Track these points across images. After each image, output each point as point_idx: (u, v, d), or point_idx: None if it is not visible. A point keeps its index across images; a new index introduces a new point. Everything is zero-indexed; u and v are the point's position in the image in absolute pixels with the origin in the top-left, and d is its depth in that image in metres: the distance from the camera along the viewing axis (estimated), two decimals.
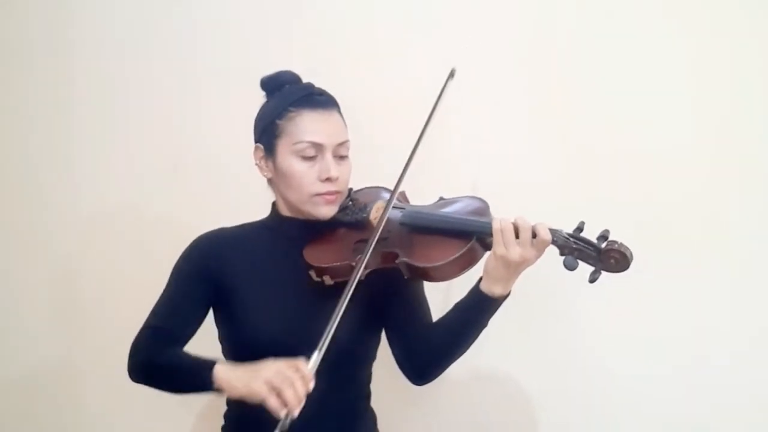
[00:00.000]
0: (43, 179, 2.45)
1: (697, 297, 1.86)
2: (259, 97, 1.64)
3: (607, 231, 1.42)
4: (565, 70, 1.91)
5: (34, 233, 2.47)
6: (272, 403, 1.29)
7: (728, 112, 1.83)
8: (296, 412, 1.29)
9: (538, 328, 1.95)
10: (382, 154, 1.87)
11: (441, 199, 1.63)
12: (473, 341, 1.54)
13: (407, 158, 1.54)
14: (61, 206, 2.42)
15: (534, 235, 1.42)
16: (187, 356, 1.49)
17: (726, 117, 1.83)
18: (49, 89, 2.42)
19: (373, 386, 1.69)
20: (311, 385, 1.31)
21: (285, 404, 1.29)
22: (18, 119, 2.47)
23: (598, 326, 1.92)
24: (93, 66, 2.36)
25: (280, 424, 1.29)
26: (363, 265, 1.45)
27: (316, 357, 1.34)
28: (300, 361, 1.33)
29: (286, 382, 1.29)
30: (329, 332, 1.36)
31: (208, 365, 1.42)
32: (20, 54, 2.44)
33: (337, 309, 1.38)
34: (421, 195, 1.64)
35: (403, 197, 1.66)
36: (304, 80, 1.64)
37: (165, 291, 1.60)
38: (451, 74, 1.56)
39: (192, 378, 1.45)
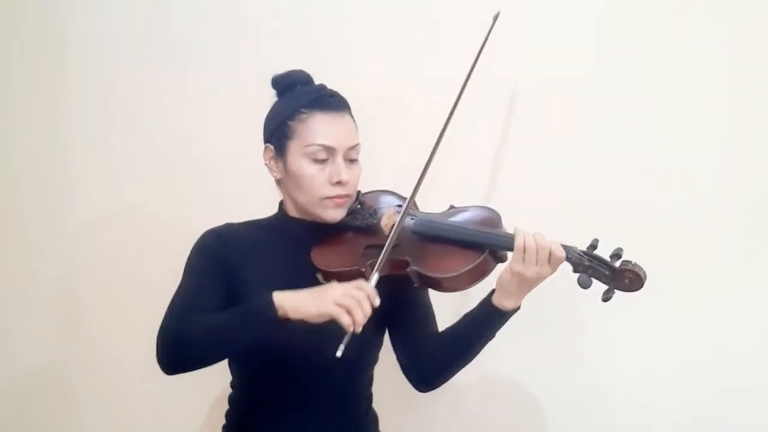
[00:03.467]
0: (42, 181, 2.42)
1: (707, 310, 1.86)
2: (264, 97, 1.62)
3: (620, 249, 1.43)
4: (578, 80, 1.90)
5: (34, 235, 2.44)
6: (345, 321, 1.33)
7: (737, 119, 1.82)
8: (359, 329, 1.34)
9: (544, 335, 1.95)
10: (390, 157, 1.88)
11: (452, 207, 1.63)
12: (479, 352, 1.55)
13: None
14: (61, 208, 2.40)
15: (549, 253, 1.43)
16: (230, 308, 1.45)
17: (745, 124, 1.82)
18: (46, 91, 2.38)
19: (375, 388, 1.69)
20: (377, 301, 1.36)
21: (354, 322, 1.33)
22: (16, 121, 2.43)
23: (604, 337, 1.92)
24: (91, 67, 2.33)
25: (345, 340, 1.34)
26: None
27: (377, 276, 1.40)
28: (362, 281, 1.39)
29: (354, 301, 1.34)
30: (384, 257, 1.43)
31: (264, 298, 1.38)
32: (17, 55, 2.40)
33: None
34: (432, 203, 1.64)
35: (413, 204, 1.64)
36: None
37: (183, 284, 1.54)
38: (496, 17, 1.66)
39: (248, 320, 1.39)
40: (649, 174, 1.86)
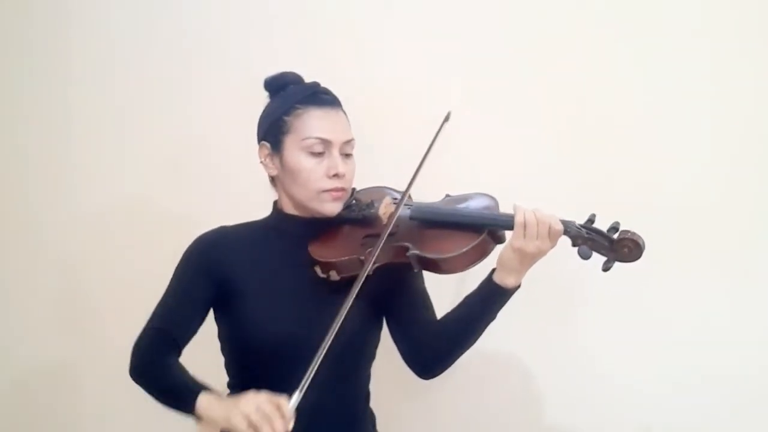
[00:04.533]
0: (42, 178, 2.42)
1: (706, 298, 1.87)
2: (260, 96, 1.64)
3: (617, 223, 1.45)
4: (573, 67, 1.94)
5: (34, 233, 2.43)
6: None
7: (745, 110, 1.85)
8: None
9: (543, 327, 1.96)
10: (384, 155, 1.90)
11: (447, 196, 1.65)
12: (481, 333, 1.54)
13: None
14: (61, 205, 2.39)
15: (549, 227, 1.44)
16: (181, 375, 1.47)
17: (742, 115, 1.85)
18: (48, 87, 2.40)
19: (373, 387, 1.68)
20: (290, 425, 1.30)
21: None
22: (19, 118, 2.44)
23: (604, 324, 1.93)
24: (93, 64, 2.35)
25: None
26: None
27: (297, 396, 1.32)
28: (281, 398, 1.31)
29: (264, 419, 1.28)
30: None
31: (194, 393, 1.41)
32: (20, 52, 2.41)
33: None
34: (427, 193, 1.64)
35: (409, 196, 1.66)
36: (306, 80, 1.65)
37: (166, 291, 1.59)
38: (447, 118, 1.59)
39: (176, 399, 1.45)
40: (651, 171, 1.89)
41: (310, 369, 1.34)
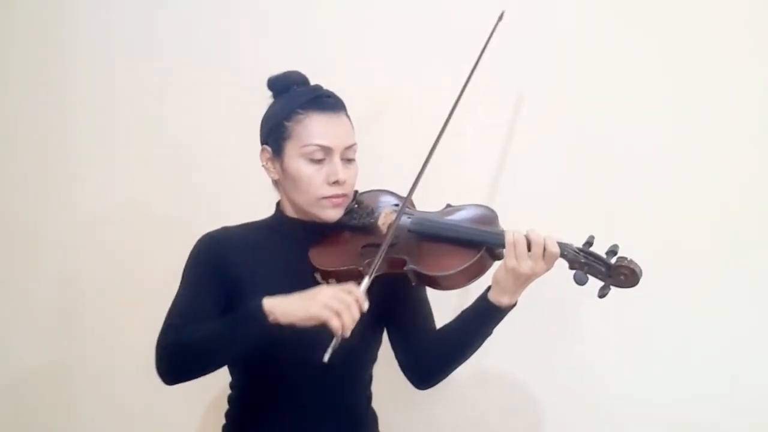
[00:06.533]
0: (43, 180, 2.43)
1: (705, 309, 1.86)
2: (261, 97, 1.63)
3: (616, 246, 1.43)
4: (576, 79, 1.90)
5: (34, 235, 2.45)
6: (335, 324, 1.33)
7: (745, 118, 1.82)
8: (348, 333, 1.34)
9: (543, 333, 1.96)
10: (389, 158, 1.89)
11: (448, 206, 1.63)
12: (477, 349, 1.55)
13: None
14: (61, 207, 2.41)
15: (543, 249, 1.43)
16: (218, 318, 1.47)
17: (743, 123, 1.82)
18: (49, 89, 2.40)
19: (374, 387, 1.70)
20: (365, 306, 1.37)
21: (342, 326, 1.33)
22: (19, 120, 2.44)
23: (604, 333, 1.92)
24: (94, 66, 2.35)
25: (333, 344, 1.34)
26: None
27: (367, 281, 1.40)
28: (352, 285, 1.38)
29: (343, 305, 1.34)
30: (380, 257, 1.43)
31: (254, 304, 1.39)
32: (20, 53, 2.41)
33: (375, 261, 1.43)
34: (429, 202, 1.64)
35: (410, 203, 1.64)
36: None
37: (180, 292, 1.56)
38: (500, 17, 1.69)
39: (240, 328, 1.41)
40: (647, 175, 1.87)
41: (381, 249, 1.43)
